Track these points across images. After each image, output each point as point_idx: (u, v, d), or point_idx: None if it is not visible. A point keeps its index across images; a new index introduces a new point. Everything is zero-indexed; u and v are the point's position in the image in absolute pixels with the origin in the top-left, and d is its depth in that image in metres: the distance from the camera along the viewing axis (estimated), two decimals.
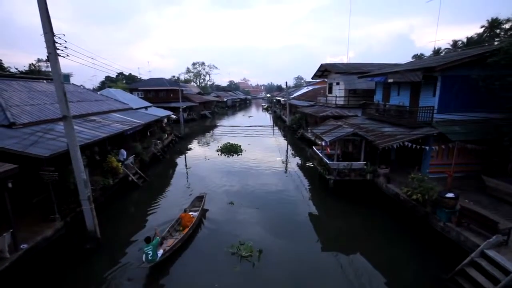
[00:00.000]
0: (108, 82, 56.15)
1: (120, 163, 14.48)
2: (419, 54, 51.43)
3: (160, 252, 8.36)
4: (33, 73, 33.29)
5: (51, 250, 8.82)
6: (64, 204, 10.11)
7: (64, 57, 7.82)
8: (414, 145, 12.18)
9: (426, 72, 12.39)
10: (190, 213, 11.23)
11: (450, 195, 8.74)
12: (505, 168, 11.67)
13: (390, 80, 15.47)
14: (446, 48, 44.40)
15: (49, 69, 42.00)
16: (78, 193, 9.14)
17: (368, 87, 22.14)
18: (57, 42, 7.57)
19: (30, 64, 39.86)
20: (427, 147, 12.35)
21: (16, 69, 36.41)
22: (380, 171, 13.20)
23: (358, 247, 9.53)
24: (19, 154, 8.60)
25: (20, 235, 8.12)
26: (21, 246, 8.03)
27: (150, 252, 8.00)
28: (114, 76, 63.85)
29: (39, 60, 42.55)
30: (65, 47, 7.84)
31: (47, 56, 7.40)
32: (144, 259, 8.01)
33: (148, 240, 8.30)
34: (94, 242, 9.24)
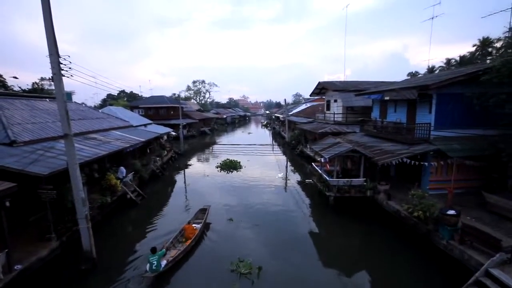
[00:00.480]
0: (110, 100, 57.00)
1: (119, 180, 14.41)
2: (413, 72, 52.90)
3: (164, 262, 8.58)
4: (36, 92, 33.83)
5: (45, 271, 8.59)
6: (60, 223, 9.97)
7: (68, 77, 8.04)
8: (413, 162, 12.22)
9: (421, 90, 12.69)
10: (193, 225, 11.42)
11: (451, 212, 8.67)
12: (505, 184, 11.66)
13: (387, 98, 15.80)
14: (440, 66, 45.67)
15: (52, 87, 42.85)
16: (75, 212, 9.03)
17: (365, 104, 22.54)
18: (61, 63, 7.81)
19: (33, 83, 40.60)
20: (426, 163, 12.39)
21: (20, 87, 37.04)
22: (380, 188, 13.15)
23: (360, 265, 9.33)
24: (18, 172, 8.60)
25: (14, 255, 7.94)
26: (15, 267, 7.83)
27: (155, 262, 8.25)
28: (116, 94, 64.96)
29: (42, 79, 43.48)
30: (70, 68, 8.08)
31: (52, 76, 7.61)
32: (148, 268, 8.22)
33: (154, 250, 8.53)
34: (89, 262, 9.00)
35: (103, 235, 11.16)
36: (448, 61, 45.17)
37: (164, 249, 9.15)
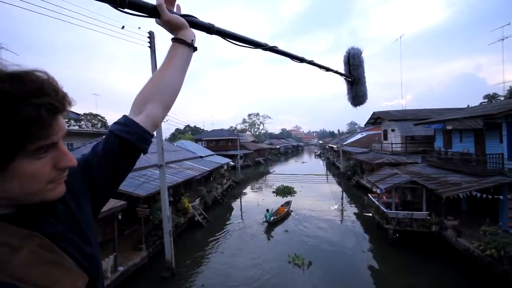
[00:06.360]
0: (178, 134, 65.29)
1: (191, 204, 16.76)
2: (491, 93, 46.60)
3: (272, 218, 16.52)
4: None
5: (136, 275, 10.68)
6: (148, 236, 12.31)
7: (165, 122, 10.71)
8: (485, 195, 11.29)
9: (486, 119, 12.06)
10: (284, 207, 18.99)
11: None
12: None
13: (449, 127, 15.12)
14: None
15: None
16: (160, 228, 11.18)
17: (426, 133, 21.38)
18: None
19: None
20: (501, 197, 11.29)
21: None
22: (447, 223, 12.28)
23: None
24: (122, 193, 11.31)
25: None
26: (119, 268, 10.05)
27: (267, 215, 16.36)
28: (182, 128, 74.07)
29: None
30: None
31: None
32: (264, 219, 16.47)
33: (267, 210, 16.88)
34: (169, 271, 10.81)
35: (176, 251, 13.11)
36: None
37: (271, 211, 17.14)
